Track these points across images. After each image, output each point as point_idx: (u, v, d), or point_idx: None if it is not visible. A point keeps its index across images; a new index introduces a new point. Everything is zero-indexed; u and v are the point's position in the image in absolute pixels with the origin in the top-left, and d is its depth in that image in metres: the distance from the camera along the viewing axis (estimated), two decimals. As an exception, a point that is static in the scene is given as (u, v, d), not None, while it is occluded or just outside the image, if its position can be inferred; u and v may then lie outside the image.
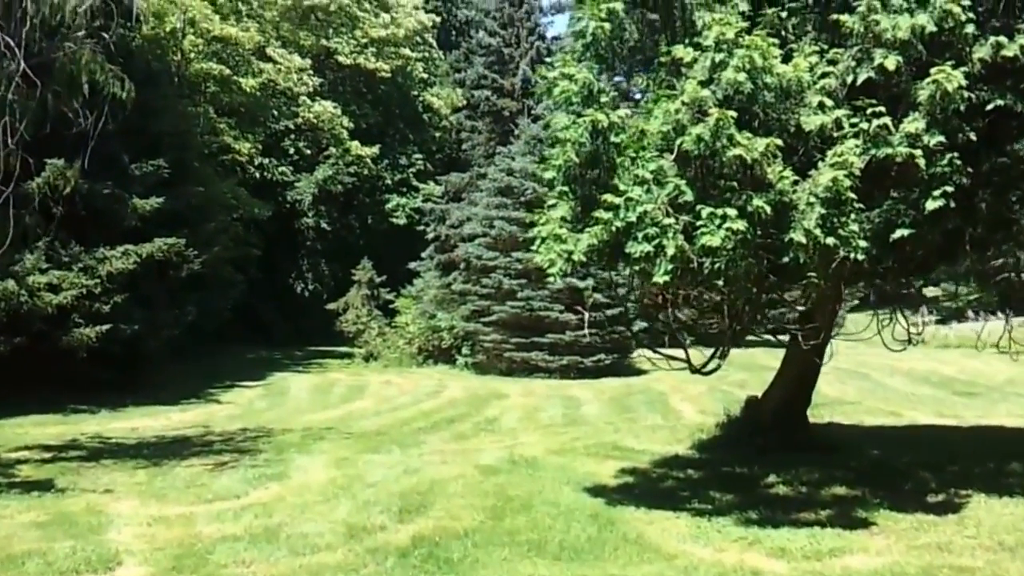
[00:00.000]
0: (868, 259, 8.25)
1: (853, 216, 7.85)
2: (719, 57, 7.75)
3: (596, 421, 17.62)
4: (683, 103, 7.72)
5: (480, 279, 26.97)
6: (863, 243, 7.98)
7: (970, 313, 29.85)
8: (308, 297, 37.85)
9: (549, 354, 25.64)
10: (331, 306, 33.69)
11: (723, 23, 7.78)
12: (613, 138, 8.32)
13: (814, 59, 7.99)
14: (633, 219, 8.09)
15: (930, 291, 22.41)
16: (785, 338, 12.69)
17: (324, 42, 39.65)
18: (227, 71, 32.60)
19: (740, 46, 7.68)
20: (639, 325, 25.97)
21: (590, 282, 23.87)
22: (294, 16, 38.94)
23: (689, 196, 7.89)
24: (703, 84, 7.81)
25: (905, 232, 8.23)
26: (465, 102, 40.61)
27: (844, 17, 8.07)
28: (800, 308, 9.70)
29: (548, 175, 9.10)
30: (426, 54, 43.36)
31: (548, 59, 39.24)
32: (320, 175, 37.94)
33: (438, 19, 44.46)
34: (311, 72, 36.85)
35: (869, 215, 8.29)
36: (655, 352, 10.35)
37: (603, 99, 8.47)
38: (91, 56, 13.38)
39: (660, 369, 22.03)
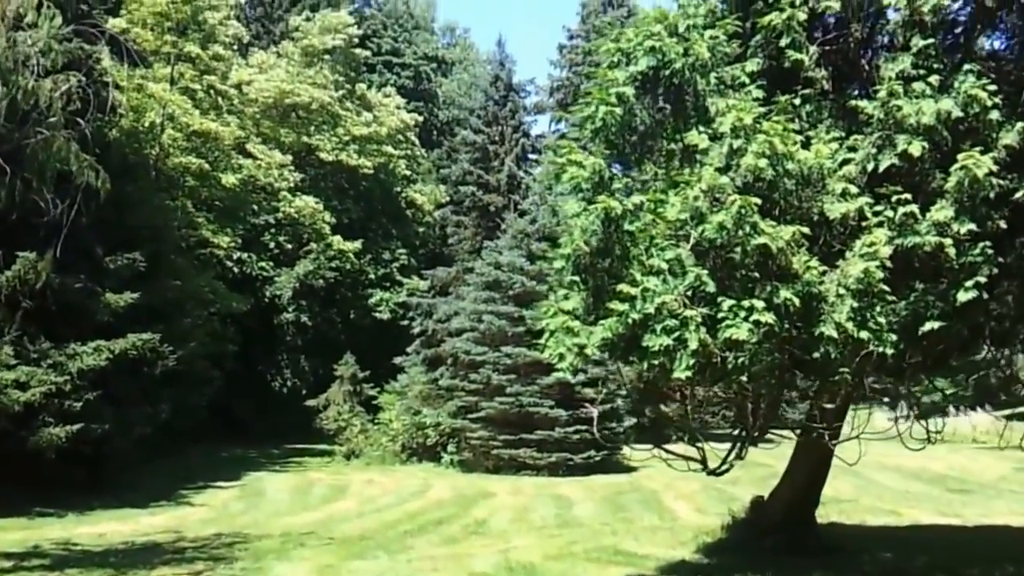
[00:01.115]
0: (895, 353, 7.85)
1: (879, 308, 7.46)
2: (737, 143, 7.45)
3: (591, 522, 16.89)
4: (701, 190, 7.37)
5: (468, 374, 26.40)
6: (892, 336, 7.58)
7: (951, 408, 29.69)
8: (287, 393, 36.95)
9: (538, 451, 24.92)
10: (311, 402, 32.80)
11: (740, 109, 7.49)
12: (627, 226, 7.95)
13: (834, 145, 7.71)
14: (651, 311, 7.65)
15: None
16: (785, 433, 12.24)
17: (305, 139, 39.77)
18: (206, 166, 32.41)
19: (759, 132, 7.38)
20: (629, 421, 25.52)
21: (581, 377, 23.40)
22: (275, 114, 39.16)
23: (710, 287, 7.47)
24: (721, 170, 7.48)
25: (936, 325, 7.83)
26: (448, 198, 40.82)
27: (863, 103, 7.84)
28: (828, 405, 9.20)
29: (557, 264, 8.69)
30: (409, 152, 43.67)
31: (533, 156, 40.03)
32: (301, 270, 37.49)
33: (420, 118, 45.02)
34: (292, 168, 36.81)
35: (895, 307, 7.90)
36: (663, 450, 9.77)
37: (616, 185, 8.13)
38: (64, 144, 13.00)
39: (651, 466, 21.33)
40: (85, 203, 13.83)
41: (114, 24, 24.92)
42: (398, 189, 43.43)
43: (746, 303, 7.31)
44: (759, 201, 7.23)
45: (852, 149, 7.87)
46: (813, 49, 8.18)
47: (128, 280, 21.29)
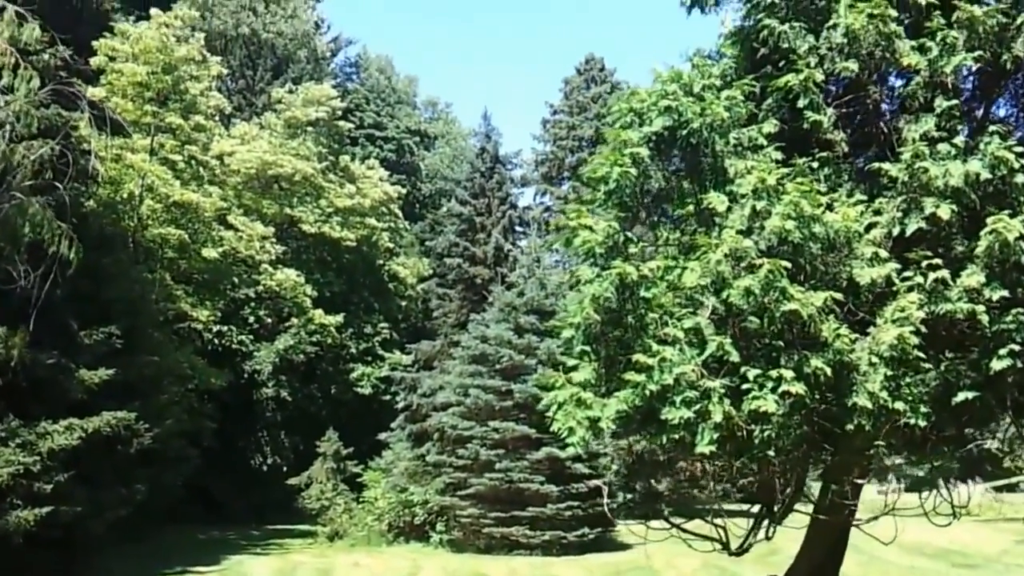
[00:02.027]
0: (926, 425, 7.41)
1: (912, 378, 7.07)
2: (760, 205, 7.11)
3: (592, 607, 16.14)
4: (724, 254, 7.00)
5: (456, 450, 25.74)
6: (924, 408, 7.17)
7: (940, 481, 29.28)
8: (266, 471, 35.96)
9: (530, 529, 24.17)
10: (292, 481, 31.84)
11: (762, 169, 7.18)
12: (643, 292, 7.54)
13: (859, 208, 7.39)
14: (669, 381, 7.20)
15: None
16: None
17: (288, 210, 39.43)
18: (186, 237, 31.90)
19: (783, 193, 7.06)
20: (623, 496, 24.81)
21: (571, 451, 22.75)
22: (257, 185, 38.89)
23: (734, 356, 7.05)
24: (743, 233, 7.13)
25: (970, 395, 7.41)
26: (432, 271, 40.48)
27: (886, 166, 7.54)
28: (859, 481, 8.69)
29: (565, 334, 8.23)
30: (392, 224, 43.47)
31: (520, 228, 39.90)
32: (281, 344, 36.77)
33: (404, 191, 44.95)
34: (274, 240, 36.37)
35: (924, 377, 7.49)
36: (681, 529, 9.21)
37: (631, 250, 7.74)
38: (40, 211, 12.56)
39: (649, 542, 20.54)
40: (60, 275, 13.32)
41: (93, 93, 24.63)
42: (381, 262, 43.08)
43: (774, 373, 6.88)
44: (788, 265, 6.86)
45: (877, 212, 7.55)
46: (830, 111, 7.91)
47: (103, 355, 20.55)
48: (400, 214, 44.27)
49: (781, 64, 8.29)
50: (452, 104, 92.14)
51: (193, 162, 34.13)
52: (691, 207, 7.91)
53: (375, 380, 37.84)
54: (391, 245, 43.38)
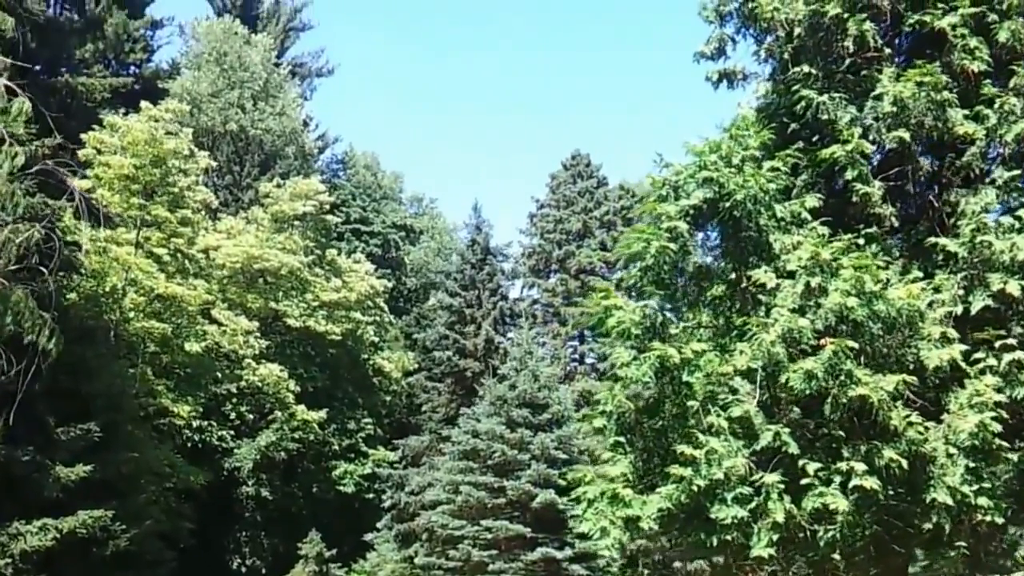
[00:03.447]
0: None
1: (991, 469, 6.44)
2: (815, 281, 6.57)
3: None
4: (778, 335, 6.42)
5: (446, 551, 24.62)
6: (1003, 502, 6.51)
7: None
8: (246, 574, 34.22)
9: (527, 638, 22.87)
10: (272, 585, 30.28)
11: (814, 243, 6.67)
12: (685, 376, 6.92)
13: (920, 285, 6.87)
14: (719, 476, 6.52)
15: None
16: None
17: (273, 304, 38.73)
18: (168, 331, 31.07)
19: (841, 268, 6.53)
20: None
21: (568, 552, 21.81)
22: (242, 279, 38.31)
23: (793, 448, 6.40)
24: (796, 312, 6.57)
25: (1052, 488, 6.78)
26: (417, 365, 39.73)
27: (944, 240, 7.06)
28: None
29: (597, 423, 7.58)
30: (377, 318, 42.85)
31: (511, 320, 39.37)
32: (263, 441, 35.53)
33: (390, 284, 44.46)
34: (258, 335, 35.58)
35: (995, 469, 6.86)
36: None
37: (672, 330, 7.14)
38: (22, 297, 11.85)
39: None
40: (40, 367, 12.56)
41: (79, 185, 24.23)
42: (365, 356, 42.25)
43: (842, 466, 6.22)
44: (855, 345, 6.27)
45: (936, 290, 7.02)
46: (877, 184, 7.47)
47: (81, 451, 19.73)
48: (385, 308, 43.71)
49: (815, 137, 7.92)
50: (437, 199, 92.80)
51: (179, 255, 33.54)
52: (732, 285, 7.36)
53: (358, 478, 36.66)
54: (376, 339, 42.67)
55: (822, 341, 6.30)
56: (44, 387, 13.05)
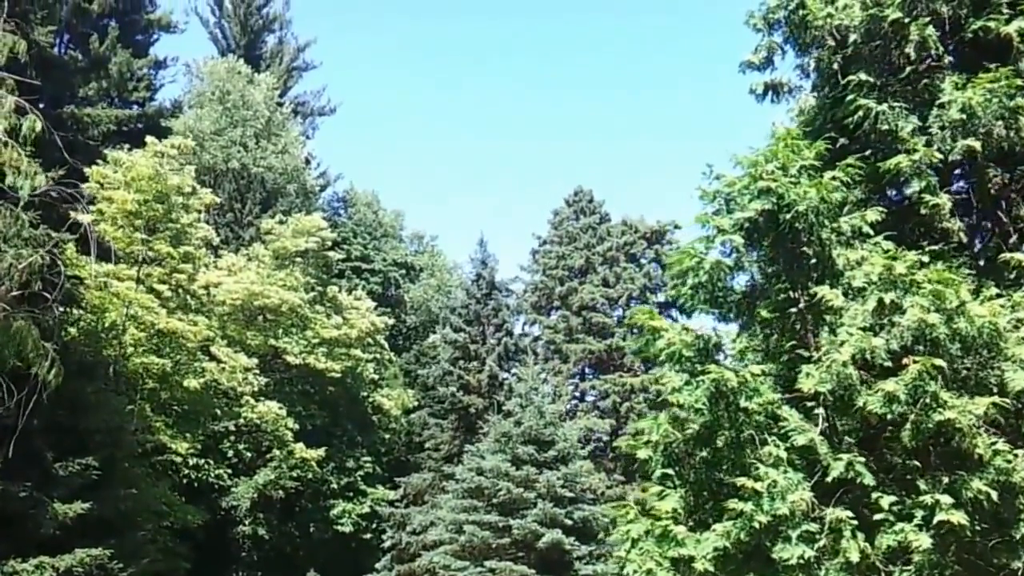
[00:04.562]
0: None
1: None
2: (888, 297, 6.09)
3: None
4: (851, 355, 5.92)
5: (450, 593, 23.78)
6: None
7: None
8: (241, 617, 33.34)
9: None
10: (269, 628, 29.36)
11: (888, 255, 6.20)
12: (743, 402, 6.39)
13: (1001, 302, 6.40)
14: (783, 511, 5.97)
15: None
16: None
17: (273, 341, 38.26)
18: (168, 367, 30.55)
19: (916, 284, 6.06)
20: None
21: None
22: (242, 316, 37.86)
23: (867, 479, 5.87)
24: (869, 330, 6.08)
25: None
26: (417, 403, 39.23)
27: (1020, 256, 6.60)
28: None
29: (642, 454, 7.03)
30: (377, 355, 42.40)
31: (516, 356, 38.84)
32: (261, 479, 34.82)
33: (390, 321, 44.03)
34: (257, 371, 35.06)
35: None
36: None
37: (728, 352, 6.64)
38: (24, 326, 11.31)
39: None
40: (37, 402, 12.01)
41: (82, 220, 23.91)
42: (365, 394, 41.71)
43: (925, 499, 5.67)
44: (942, 364, 5.76)
45: (1013, 308, 6.55)
46: (945, 197, 7.03)
47: (79, 488, 19.21)
48: (386, 345, 43.29)
49: (868, 151, 7.49)
50: (438, 237, 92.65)
51: (180, 290, 33.14)
52: (790, 303, 6.87)
53: (356, 517, 35.96)
54: (376, 376, 42.18)
55: (904, 360, 5.79)
56: (42, 422, 12.58)
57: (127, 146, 33.67)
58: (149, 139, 32.20)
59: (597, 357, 41.12)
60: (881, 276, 6.25)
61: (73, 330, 22.92)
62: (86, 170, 29.03)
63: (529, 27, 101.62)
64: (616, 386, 38.75)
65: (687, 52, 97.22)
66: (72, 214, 19.17)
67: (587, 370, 44.10)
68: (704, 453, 6.75)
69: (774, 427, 6.37)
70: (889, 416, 5.87)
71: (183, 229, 33.01)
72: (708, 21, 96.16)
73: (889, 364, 5.90)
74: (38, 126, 10.28)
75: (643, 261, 46.58)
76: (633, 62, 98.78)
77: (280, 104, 55.23)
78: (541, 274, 49.19)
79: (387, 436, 42.08)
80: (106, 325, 29.02)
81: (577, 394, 43.25)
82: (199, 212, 34.73)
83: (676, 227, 47.51)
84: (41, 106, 15.00)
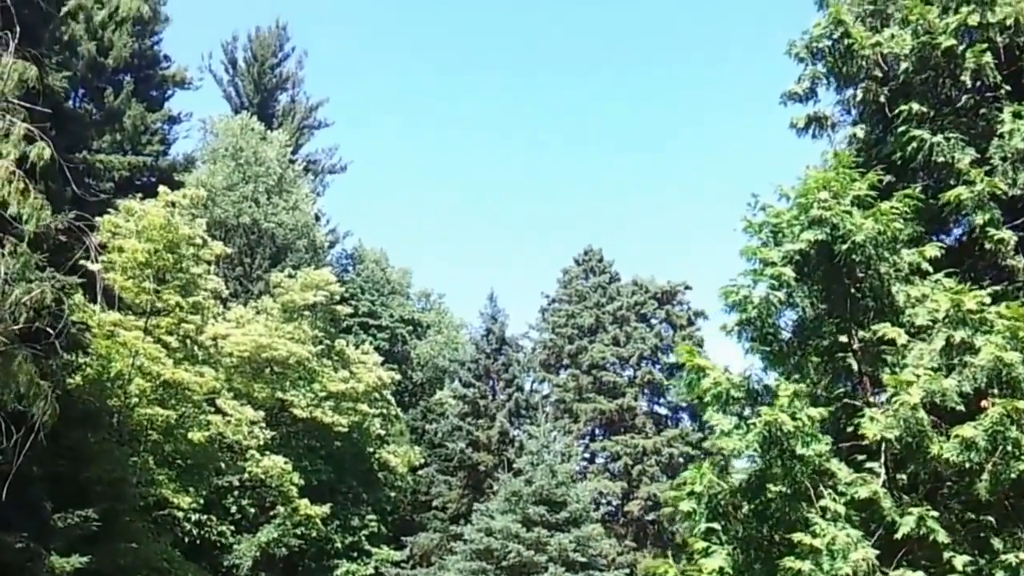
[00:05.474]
0: None
1: None
2: (959, 335, 5.62)
3: None
4: (920, 397, 5.43)
5: (458, 660, 22.85)
6: None
7: None
8: None
9: None
10: None
11: (955, 291, 5.75)
12: (800, 448, 5.87)
13: (1075, 340, 5.91)
14: (845, 571, 5.42)
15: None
16: None
17: (280, 394, 37.74)
18: (173, 419, 29.98)
19: (987, 319, 5.60)
20: None
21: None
22: (249, 369, 37.40)
23: (941, 536, 5.33)
24: (939, 371, 5.60)
25: None
26: (423, 460, 38.56)
27: (1090, 295, 6.16)
28: None
29: (684, 507, 6.48)
30: (384, 410, 41.81)
31: (526, 413, 38.18)
32: (264, 537, 33.93)
33: (397, 377, 43.53)
34: (263, 425, 34.46)
35: None
36: None
37: (781, 394, 6.11)
38: (24, 363, 10.85)
39: None
40: (34, 447, 11.50)
41: (93, 266, 23.65)
42: (371, 449, 41.00)
43: (1009, 558, 5.13)
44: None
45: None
46: (1009, 232, 6.60)
47: (78, 541, 18.52)
48: (392, 400, 42.75)
49: (918, 186, 7.09)
50: (445, 294, 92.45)
51: (188, 341, 32.72)
52: (846, 342, 6.40)
53: (360, 578, 34.90)
54: (382, 432, 41.51)
55: (983, 403, 5.30)
56: (42, 470, 12.08)
57: (139, 195, 33.64)
58: (162, 189, 32.13)
59: (608, 417, 40.43)
60: (949, 313, 5.80)
61: (78, 378, 22.53)
62: (97, 219, 28.89)
63: (540, 84, 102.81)
64: (628, 448, 37.98)
65: (695, 112, 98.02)
66: (82, 262, 18.89)
67: (597, 430, 43.38)
68: (753, 505, 6.21)
69: (835, 476, 5.85)
70: (968, 465, 5.35)
71: (193, 279, 32.75)
72: (719, 76, 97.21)
73: (962, 408, 5.41)
74: (47, 154, 9.95)
75: (653, 321, 46.16)
76: (642, 120, 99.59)
77: (292, 161, 55.62)
78: (550, 332, 48.76)
79: (393, 494, 41.23)
80: (112, 375, 28.57)
81: (587, 455, 42.45)
82: (209, 263, 34.53)
83: (687, 287, 47.26)
84: (53, 153, 14.76)
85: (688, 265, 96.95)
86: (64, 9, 13.15)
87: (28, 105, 9.99)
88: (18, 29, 9.49)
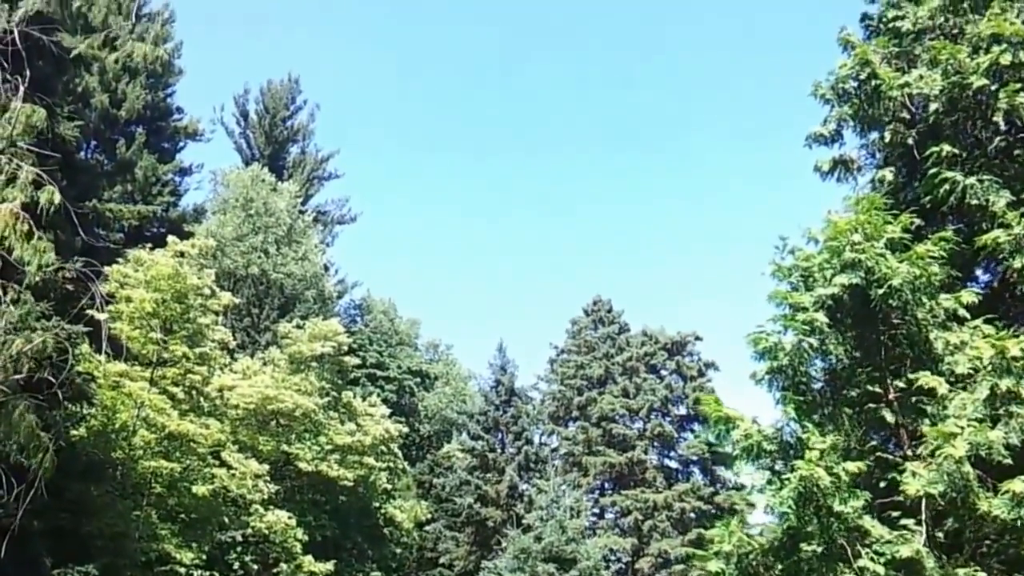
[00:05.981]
0: None
1: None
2: (1005, 384, 5.32)
3: None
4: (965, 450, 5.12)
5: None
6: None
7: None
8: None
9: None
10: None
11: (999, 338, 5.46)
12: (837, 505, 5.54)
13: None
14: (889, 635, 5.07)
15: None
16: None
17: (285, 447, 37.21)
18: (177, 472, 29.48)
19: (1032, 368, 5.31)
20: None
21: None
22: (254, 421, 36.96)
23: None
24: (986, 422, 5.29)
25: None
26: (430, 516, 37.88)
27: None
28: None
29: (712, 567, 6.10)
30: (391, 463, 41.16)
31: (536, 466, 37.53)
32: (267, 594, 33.17)
33: (405, 429, 42.96)
34: (267, 478, 33.88)
35: None
36: None
37: (815, 447, 5.78)
38: (24, 413, 10.57)
39: None
40: (40, 504, 11.19)
41: (99, 316, 23.44)
42: (377, 504, 40.29)
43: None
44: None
45: None
46: (1048, 276, 6.34)
47: (76, 597, 17.97)
48: (399, 453, 42.11)
49: (948, 227, 6.83)
50: (453, 346, 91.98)
51: (194, 392, 32.36)
52: (879, 392, 6.10)
53: (364, 640, 33.98)
54: (389, 486, 40.81)
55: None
56: (43, 524, 11.74)
57: (149, 245, 33.56)
58: (171, 238, 32.04)
59: (618, 471, 39.75)
60: (992, 361, 5.50)
61: (82, 429, 22.21)
62: (106, 269, 28.75)
63: (549, 135, 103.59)
64: (638, 502, 37.23)
65: (701, 168, 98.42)
66: (88, 311, 18.70)
67: (607, 484, 42.65)
68: (784, 565, 5.85)
69: (871, 534, 5.50)
70: (1019, 522, 5.01)
71: (200, 329, 32.50)
72: (730, 131, 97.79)
73: (1009, 461, 5.09)
74: (56, 198, 9.80)
75: (664, 372, 45.65)
76: (651, 170, 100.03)
77: (302, 212, 55.73)
78: (559, 384, 48.24)
79: (399, 550, 40.41)
80: (116, 426, 28.18)
81: (596, 510, 41.64)
82: (217, 314, 34.31)
83: (697, 338, 46.82)
84: (62, 200, 14.64)
85: (698, 316, 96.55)
86: (75, 52, 13.14)
87: (37, 150, 9.85)
88: (28, 73, 9.41)
